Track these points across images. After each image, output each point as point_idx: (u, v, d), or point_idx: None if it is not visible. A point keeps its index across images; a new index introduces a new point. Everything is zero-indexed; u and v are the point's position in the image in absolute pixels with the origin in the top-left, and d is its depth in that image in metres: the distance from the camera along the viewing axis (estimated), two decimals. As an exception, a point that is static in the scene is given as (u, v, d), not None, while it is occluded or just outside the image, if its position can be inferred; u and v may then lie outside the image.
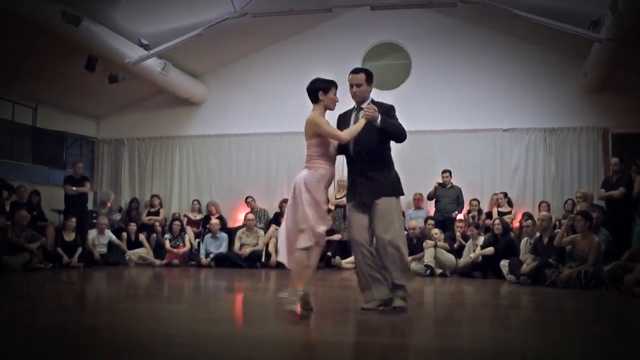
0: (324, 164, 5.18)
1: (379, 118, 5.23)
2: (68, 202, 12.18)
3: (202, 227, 13.10)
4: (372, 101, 5.45)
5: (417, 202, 12.60)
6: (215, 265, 11.57)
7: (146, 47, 11.16)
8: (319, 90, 5.24)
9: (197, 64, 13.60)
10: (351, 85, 5.43)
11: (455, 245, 10.54)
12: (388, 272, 5.30)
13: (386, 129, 5.27)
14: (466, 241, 10.38)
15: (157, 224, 12.82)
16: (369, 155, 5.34)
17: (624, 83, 11.69)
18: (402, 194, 5.52)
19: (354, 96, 5.47)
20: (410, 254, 10.63)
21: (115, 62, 11.30)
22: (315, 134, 5.18)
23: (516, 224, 11.32)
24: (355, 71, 5.50)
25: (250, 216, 12.16)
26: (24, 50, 10.53)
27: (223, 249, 11.90)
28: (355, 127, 5.25)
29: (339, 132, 5.23)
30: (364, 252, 5.34)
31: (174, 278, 9.69)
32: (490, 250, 9.59)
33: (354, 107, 5.52)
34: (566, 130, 12.53)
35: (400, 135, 5.37)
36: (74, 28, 9.78)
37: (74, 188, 12.12)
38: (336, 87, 5.33)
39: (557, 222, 10.36)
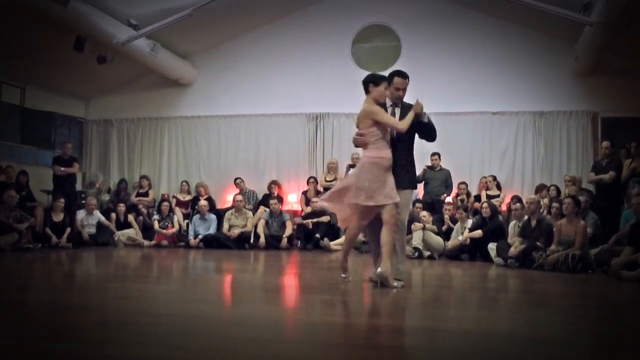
0: (382, 149, 5.55)
1: (426, 115, 5.72)
2: (57, 182, 12.13)
3: (191, 208, 13.06)
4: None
5: (406, 185, 12.58)
6: (203, 246, 11.55)
7: (135, 28, 11.06)
8: (370, 82, 5.68)
9: (186, 44, 13.48)
10: (397, 89, 5.76)
11: (444, 228, 10.57)
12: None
13: (430, 125, 5.81)
14: (454, 224, 10.40)
15: (141, 206, 12.71)
16: (404, 148, 5.77)
17: (614, 67, 11.71)
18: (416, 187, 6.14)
19: (397, 98, 5.81)
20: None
21: (104, 42, 11.20)
22: (373, 122, 5.57)
23: (504, 207, 11.37)
24: (405, 76, 5.82)
25: (239, 197, 12.14)
26: (12, 30, 10.40)
27: (212, 230, 11.88)
28: (408, 118, 5.64)
29: (395, 121, 5.67)
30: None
31: (163, 259, 9.68)
32: (478, 233, 9.63)
33: (390, 104, 5.86)
34: (556, 114, 12.55)
35: (434, 133, 5.91)
36: (62, 8, 9.67)
37: (63, 168, 12.07)
38: (388, 83, 5.72)
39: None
